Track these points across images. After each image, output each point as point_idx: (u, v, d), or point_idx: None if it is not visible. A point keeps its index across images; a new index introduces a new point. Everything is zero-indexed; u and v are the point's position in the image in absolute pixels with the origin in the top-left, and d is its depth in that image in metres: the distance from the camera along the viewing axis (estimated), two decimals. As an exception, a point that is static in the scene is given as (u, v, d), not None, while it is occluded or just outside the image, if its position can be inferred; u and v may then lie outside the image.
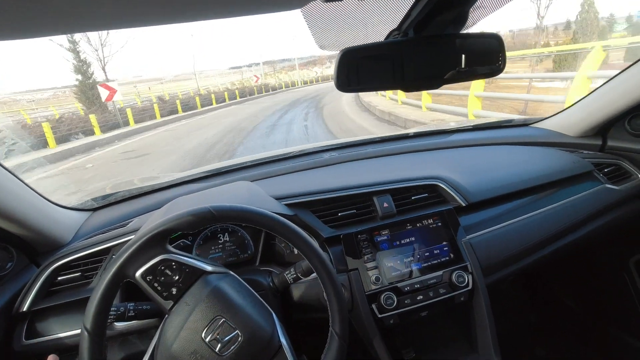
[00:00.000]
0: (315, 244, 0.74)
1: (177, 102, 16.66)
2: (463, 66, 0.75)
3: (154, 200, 1.18)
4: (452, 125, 1.79)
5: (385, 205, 1.02)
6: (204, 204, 0.69)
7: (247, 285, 0.73)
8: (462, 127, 1.63)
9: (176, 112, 15.98)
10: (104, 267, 0.91)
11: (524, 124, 1.56)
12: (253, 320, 0.67)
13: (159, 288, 0.65)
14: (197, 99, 18.38)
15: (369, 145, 1.48)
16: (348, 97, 13.62)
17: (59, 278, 0.89)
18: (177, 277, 0.66)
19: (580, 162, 1.25)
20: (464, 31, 0.72)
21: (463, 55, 0.75)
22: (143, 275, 0.64)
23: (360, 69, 0.74)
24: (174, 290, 0.66)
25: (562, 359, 1.53)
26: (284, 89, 32.01)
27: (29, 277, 0.88)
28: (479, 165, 1.23)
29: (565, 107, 1.46)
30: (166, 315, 0.66)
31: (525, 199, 1.15)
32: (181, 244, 0.83)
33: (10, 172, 0.83)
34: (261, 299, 0.73)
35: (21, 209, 0.85)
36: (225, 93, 21.95)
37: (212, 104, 19.13)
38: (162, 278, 0.65)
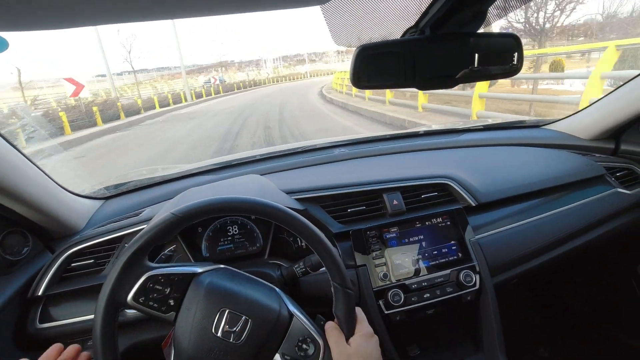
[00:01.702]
0: (290, 213, 0.71)
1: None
2: (477, 65, 0.75)
3: (165, 190, 1.20)
4: (463, 124, 1.78)
5: (395, 202, 1.03)
6: (215, 195, 0.69)
7: (241, 272, 0.73)
8: (473, 126, 1.63)
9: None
10: (116, 255, 0.93)
11: (536, 125, 1.55)
12: (256, 301, 0.67)
13: (156, 305, 0.65)
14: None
15: (378, 143, 1.48)
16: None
17: (73, 264, 0.91)
18: (168, 290, 0.66)
19: (592, 166, 1.24)
20: (482, 30, 0.72)
21: (478, 55, 0.75)
22: (135, 299, 0.64)
23: (375, 66, 0.74)
24: (171, 302, 0.66)
25: None
26: (158, 109, 17.73)
27: (44, 262, 0.90)
28: (489, 166, 1.23)
29: (578, 110, 1.45)
30: (172, 327, 0.67)
31: (536, 200, 1.14)
32: (162, 257, 0.83)
33: (29, 159, 0.85)
34: (259, 279, 0.74)
35: (39, 195, 0.86)
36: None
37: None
38: (155, 295, 0.65)
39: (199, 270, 0.69)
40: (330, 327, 0.68)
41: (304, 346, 0.66)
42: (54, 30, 0.46)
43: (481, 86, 6.35)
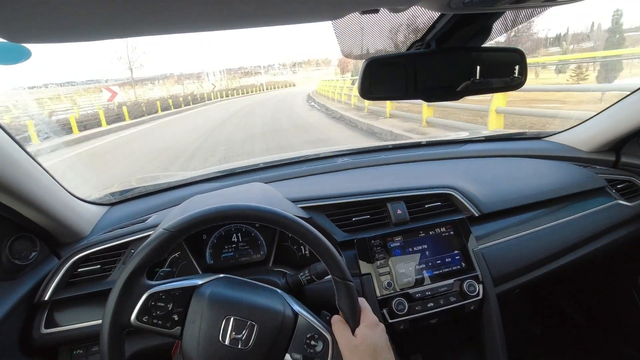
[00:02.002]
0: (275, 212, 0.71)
1: None
2: (478, 78, 0.77)
3: (170, 197, 1.21)
4: (464, 135, 1.80)
5: (399, 212, 1.04)
6: (220, 203, 0.70)
7: (242, 278, 0.74)
8: (475, 137, 1.64)
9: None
10: (123, 261, 0.93)
11: (537, 137, 1.56)
12: (260, 305, 0.68)
13: (160, 322, 0.65)
14: None
15: (381, 152, 1.49)
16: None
17: (79, 270, 0.92)
18: (171, 305, 0.66)
19: (593, 177, 1.25)
20: (488, 44, 0.74)
21: (480, 68, 0.76)
22: (138, 318, 0.64)
23: (382, 78, 0.76)
24: (175, 317, 0.66)
25: None
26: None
27: (50, 268, 0.91)
28: (491, 176, 1.24)
29: (579, 122, 1.47)
30: (179, 342, 0.67)
31: (537, 211, 1.16)
32: (161, 273, 0.83)
33: (39, 164, 0.86)
34: (260, 284, 0.74)
35: (48, 200, 0.87)
36: None
37: None
38: (158, 312, 0.65)
39: (200, 282, 0.69)
40: (336, 320, 0.68)
41: (313, 343, 0.67)
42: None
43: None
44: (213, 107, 22.93)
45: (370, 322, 0.68)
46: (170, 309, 0.66)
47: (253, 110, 16.83)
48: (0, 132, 0.74)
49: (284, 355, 0.66)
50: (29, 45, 0.47)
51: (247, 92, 45.03)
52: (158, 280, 0.69)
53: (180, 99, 25.84)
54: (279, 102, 21.15)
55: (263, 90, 52.52)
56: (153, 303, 0.65)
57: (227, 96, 36.37)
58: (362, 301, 0.72)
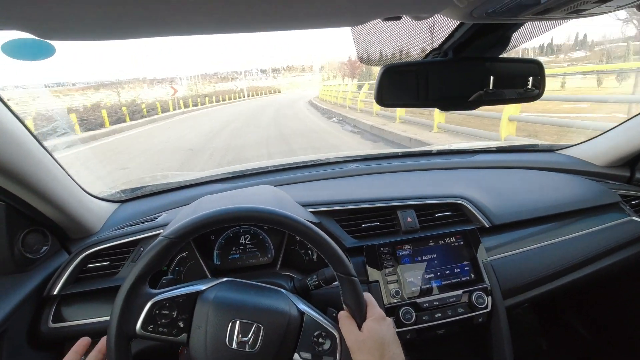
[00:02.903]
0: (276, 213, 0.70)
1: None
2: (492, 88, 0.77)
3: (180, 197, 1.21)
4: (476, 145, 1.79)
5: (409, 220, 1.03)
6: (230, 204, 0.70)
7: (245, 281, 0.74)
8: (486, 147, 1.63)
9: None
10: (132, 258, 0.94)
11: (550, 150, 1.55)
12: (265, 306, 0.68)
13: (166, 330, 0.65)
14: None
15: (391, 159, 1.49)
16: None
17: (88, 265, 0.92)
18: (175, 312, 0.66)
19: (607, 192, 1.23)
20: (506, 54, 0.73)
21: (495, 78, 0.76)
22: (144, 328, 0.64)
23: (397, 86, 0.76)
24: (181, 324, 0.66)
25: None
26: None
27: (60, 262, 0.91)
28: (503, 188, 1.23)
29: (593, 136, 1.45)
30: (186, 349, 0.67)
31: (549, 225, 1.14)
32: (164, 281, 0.82)
33: (55, 160, 0.87)
34: (264, 285, 0.74)
35: (63, 196, 0.88)
36: None
37: None
38: (163, 320, 0.65)
39: (203, 287, 0.69)
40: (342, 316, 0.68)
41: (321, 341, 0.66)
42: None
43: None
44: (158, 127, 13.87)
45: (377, 316, 0.67)
46: (175, 316, 0.65)
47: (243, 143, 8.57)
48: (20, 127, 0.75)
49: (293, 355, 0.66)
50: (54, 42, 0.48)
51: (225, 100, 36.15)
52: (161, 288, 0.69)
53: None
54: (282, 119, 13.86)
55: (243, 97, 44.70)
56: (157, 311, 0.65)
57: (195, 105, 26.13)
58: (367, 296, 0.71)
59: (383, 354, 0.62)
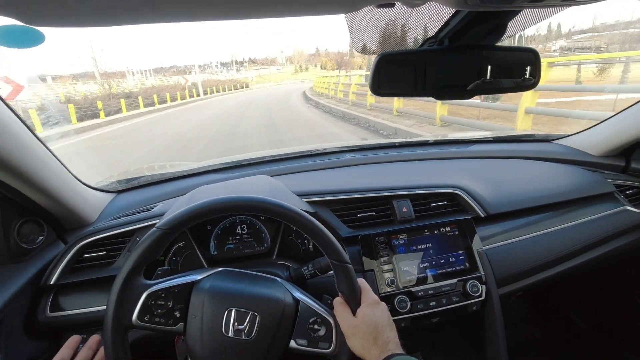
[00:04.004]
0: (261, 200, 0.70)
1: None
2: (489, 77, 0.76)
3: (176, 187, 1.21)
4: (472, 135, 1.79)
5: (404, 209, 1.03)
6: (226, 194, 0.70)
7: (240, 270, 0.74)
8: (482, 138, 1.63)
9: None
10: (128, 248, 0.94)
11: (546, 140, 1.55)
12: (260, 294, 0.68)
13: (162, 320, 0.66)
14: None
15: (388, 149, 1.49)
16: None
17: (85, 255, 0.92)
18: (171, 302, 0.66)
19: (602, 182, 1.24)
20: (502, 42, 0.73)
21: (492, 67, 0.76)
22: (140, 318, 0.65)
23: (393, 74, 0.75)
24: (177, 314, 0.66)
25: None
26: None
27: (56, 252, 0.92)
28: (499, 178, 1.23)
29: (589, 126, 1.45)
30: (182, 337, 0.67)
31: (544, 214, 1.15)
32: (159, 272, 0.81)
33: (49, 149, 0.87)
34: (260, 273, 0.75)
35: (58, 186, 0.88)
36: None
37: None
38: (159, 310, 0.65)
39: (198, 277, 0.70)
40: (337, 303, 0.69)
41: (316, 327, 0.68)
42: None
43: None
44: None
45: (370, 302, 0.68)
46: (170, 306, 0.66)
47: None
48: (12, 117, 0.75)
49: (289, 341, 0.67)
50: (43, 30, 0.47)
51: (167, 103, 22.31)
52: (157, 279, 0.70)
53: None
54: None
55: (197, 95, 30.68)
56: (153, 302, 0.65)
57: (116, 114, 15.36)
58: (361, 282, 0.72)
59: (377, 338, 0.63)
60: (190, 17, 0.44)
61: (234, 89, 42.72)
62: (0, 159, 0.72)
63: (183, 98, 27.05)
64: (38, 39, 0.49)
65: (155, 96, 22.16)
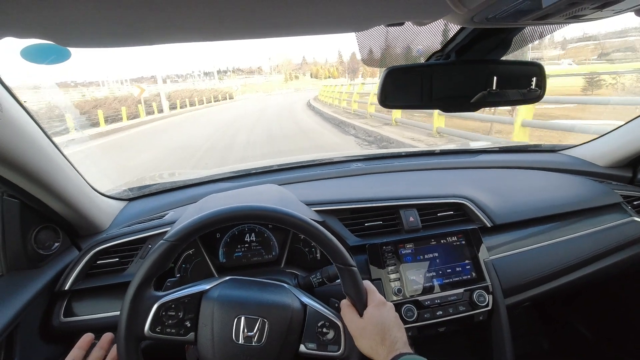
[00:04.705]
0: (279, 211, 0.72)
1: None
2: (495, 89, 0.78)
3: (186, 195, 1.24)
4: (478, 145, 1.80)
5: (411, 219, 1.05)
6: (236, 202, 0.73)
7: (248, 278, 0.76)
8: (489, 148, 1.64)
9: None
10: (140, 255, 0.96)
11: (552, 150, 1.55)
12: (268, 301, 0.70)
13: (173, 330, 0.67)
14: None
15: (394, 159, 1.50)
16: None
17: (98, 262, 0.95)
18: (182, 313, 0.68)
19: (609, 193, 1.24)
20: (508, 56, 0.75)
21: (497, 80, 0.77)
22: (152, 329, 0.66)
23: (401, 87, 0.77)
24: (188, 324, 0.68)
25: None
26: None
27: (71, 259, 0.94)
28: (505, 188, 1.24)
29: (596, 137, 1.45)
30: (193, 346, 0.69)
31: (551, 224, 1.15)
32: (168, 284, 0.83)
33: (66, 158, 0.90)
34: (267, 280, 0.76)
35: (74, 194, 0.91)
36: None
37: None
38: (170, 321, 0.67)
39: (207, 286, 0.71)
40: (344, 305, 0.70)
41: (325, 331, 0.69)
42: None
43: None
44: None
45: (377, 302, 0.69)
46: (181, 316, 0.68)
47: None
48: (33, 126, 0.77)
49: (299, 346, 0.68)
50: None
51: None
52: (166, 290, 0.71)
53: None
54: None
55: (158, 111, 20.80)
56: (164, 313, 0.67)
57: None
58: (367, 284, 0.73)
59: (384, 338, 0.63)
60: (209, 37, 0.47)
61: (215, 101, 33.39)
62: (20, 166, 0.75)
63: (132, 117, 18.21)
64: (64, 56, 0.51)
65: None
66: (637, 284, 1.38)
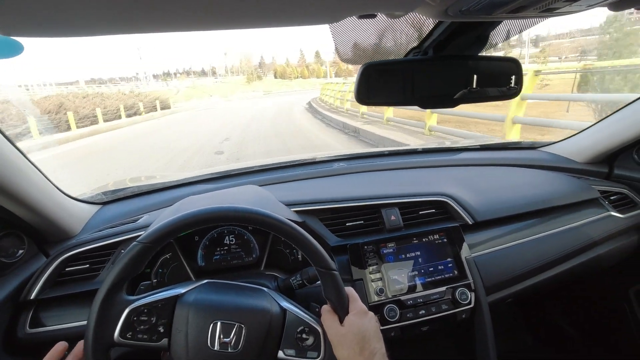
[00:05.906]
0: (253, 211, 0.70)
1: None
2: (475, 87, 0.77)
3: (163, 198, 1.20)
4: (460, 143, 1.81)
5: (393, 218, 1.03)
6: (213, 204, 0.70)
7: (226, 282, 0.73)
8: (470, 146, 1.65)
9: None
10: (112, 261, 0.92)
11: (532, 147, 1.57)
12: (246, 305, 0.67)
13: (145, 336, 0.64)
14: None
15: (377, 158, 1.49)
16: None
17: (67, 269, 0.90)
18: (154, 318, 0.65)
19: (587, 189, 1.26)
20: (485, 53, 0.74)
21: (476, 76, 0.77)
22: (122, 335, 0.63)
23: (379, 84, 0.76)
24: (161, 329, 0.65)
25: None
26: None
27: (37, 266, 0.89)
28: (486, 185, 1.24)
29: (574, 133, 1.48)
30: (168, 353, 0.66)
31: (531, 221, 1.16)
32: (142, 287, 0.81)
33: (30, 161, 0.85)
34: (246, 284, 0.73)
35: (38, 197, 0.86)
36: None
37: None
38: (141, 327, 0.64)
39: (182, 290, 0.68)
40: (324, 311, 0.68)
41: (304, 336, 0.66)
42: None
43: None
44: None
45: (358, 311, 0.67)
46: (154, 321, 0.64)
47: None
48: None
49: (277, 352, 0.66)
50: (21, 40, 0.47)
51: None
52: (139, 294, 0.68)
53: None
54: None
55: None
56: (135, 318, 0.64)
57: None
58: (350, 290, 0.71)
59: (363, 348, 0.62)
60: (176, 27, 0.44)
61: (126, 117, 19.73)
62: None
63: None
64: (16, 49, 0.48)
65: None
66: (615, 278, 1.41)
